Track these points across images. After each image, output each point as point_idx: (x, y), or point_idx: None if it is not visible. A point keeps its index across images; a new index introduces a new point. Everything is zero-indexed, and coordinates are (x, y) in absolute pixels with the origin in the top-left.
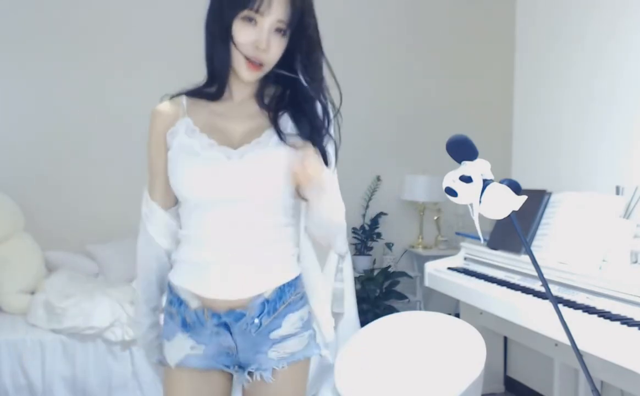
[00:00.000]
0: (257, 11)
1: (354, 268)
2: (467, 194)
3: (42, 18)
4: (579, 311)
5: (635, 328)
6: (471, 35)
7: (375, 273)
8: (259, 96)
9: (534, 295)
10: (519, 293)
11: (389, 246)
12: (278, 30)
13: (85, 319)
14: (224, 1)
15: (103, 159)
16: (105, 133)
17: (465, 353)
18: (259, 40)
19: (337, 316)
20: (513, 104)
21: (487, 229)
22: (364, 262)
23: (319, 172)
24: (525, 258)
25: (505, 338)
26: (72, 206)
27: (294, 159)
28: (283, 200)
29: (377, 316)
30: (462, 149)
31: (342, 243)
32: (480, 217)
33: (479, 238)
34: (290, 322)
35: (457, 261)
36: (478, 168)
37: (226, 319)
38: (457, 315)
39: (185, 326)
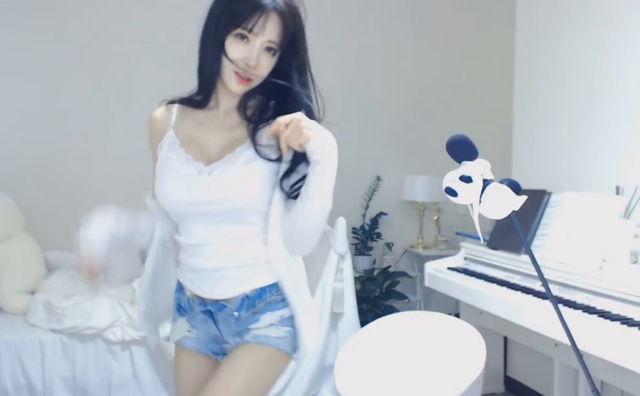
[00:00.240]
0: (250, 31)
1: (354, 268)
2: (467, 194)
3: (42, 18)
4: (579, 311)
5: (635, 328)
6: (471, 35)
7: (375, 273)
8: (242, 107)
9: (534, 295)
10: (519, 293)
11: (389, 246)
12: (269, 49)
13: (85, 319)
14: (221, 17)
15: (103, 159)
16: (105, 133)
17: (465, 353)
18: (249, 57)
19: (337, 316)
20: (513, 104)
21: (487, 229)
22: (364, 262)
23: (312, 124)
24: (525, 258)
25: (505, 338)
26: (72, 206)
27: (279, 123)
28: (254, 212)
29: (377, 316)
30: (462, 149)
31: (312, 247)
32: (480, 217)
33: (479, 238)
34: (269, 318)
35: (457, 261)
36: (478, 168)
37: (210, 307)
38: (457, 315)
39: (180, 310)
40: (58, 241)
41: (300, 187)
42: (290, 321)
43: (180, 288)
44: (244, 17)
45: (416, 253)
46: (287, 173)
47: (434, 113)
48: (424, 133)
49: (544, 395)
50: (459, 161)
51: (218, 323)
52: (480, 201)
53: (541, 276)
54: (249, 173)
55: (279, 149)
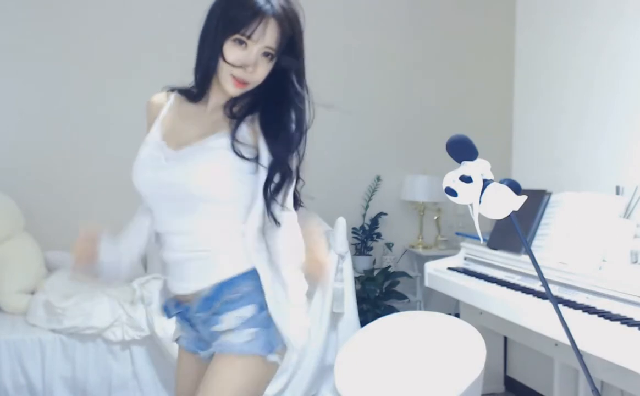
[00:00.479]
0: (249, 38)
1: (354, 268)
2: (467, 194)
3: (42, 18)
4: (579, 311)
5: (635, 328)
6: (471, 36)
7: (375, 273)
8: (228, 105)
9: (534, 295)
10: (519, 293)
11: (389, 246)
12: (266, 54)
13: (85, 319)
14: (220, 21)
15: (103, 159)
16: (105, 133)
17: (465, 353)
18: (246, 62)
19: (337, 316)
20: (513, 104)
21: (487, 229)
22: (364, 262)
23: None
24: (525, 258)
25: (505, 338)
26: (72, 206)
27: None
28: (214, 202)
29: (377, 316)
30: (462, 149)
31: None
32: (480, 217)
33: (479, 238)
34: (228, 319)
35: (457, 261)
36: (478, 168)
37: (181, 309)
38: (457, 315)
39: (166, 310)
40: (58, 241)
41: (275, 194)
42: (254, 321)
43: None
44: (243, 23)
45: (416, 253)
46: (267, 182)
47: (434, 113)
48: (424, 133)
49: (544, 395)
50: (459, 161)
51: (194, 325)
52: (480, 201)
53: (541, 276)
54: (212, 160)
55: (255, 150)
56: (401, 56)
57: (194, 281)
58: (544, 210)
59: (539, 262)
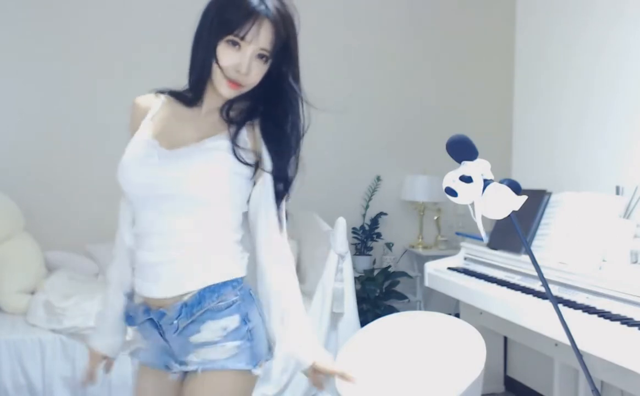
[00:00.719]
0: (242, 38)
1: (354, 268)
2: (467, 194)
3: (42, 18)
4: (579, 311)
5: (635, 328)
6: (471, 36)
7: (375, 273)
8: (224, 109)
9: (534, 295)
10: (519, 293)
11: (389, 246)
12: (260, 56)
13: (85, 319)
14: (213, 22)
15: (103, 159)
16: (105, 133)
17: (465, 353)
18: (240, 64)
19: (337, 316)
20: (513, 104)
21: (487, 229)
22: (364, 262)
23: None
24: (525, 258)
25: (505, 338)
26: (72, 206)
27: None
28: (207, 206)
29: (377, 316)
30: (462, 149)
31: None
32: (481, 217)
33: (478, 238)
34: (211, 329)
35: (457, 261)
36: (478, 168)
37: (152, 315)
38: (457, 315)
39: (128, 318)
40: (58, 241)
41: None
42: (238, 333)
43: (130, 294)
44: (236, 24)
45: (416, 253)
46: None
47: (434, 113)
48: (424, 133)
49: (544, 395)
50: (459, 161)
51: (164, 333)
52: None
53: (541, 276)
54: (210, 161)
55: (255, 155)
56: (401, 56)
57: (175, 284)
58: (544, 210)
59: (539, 262)
